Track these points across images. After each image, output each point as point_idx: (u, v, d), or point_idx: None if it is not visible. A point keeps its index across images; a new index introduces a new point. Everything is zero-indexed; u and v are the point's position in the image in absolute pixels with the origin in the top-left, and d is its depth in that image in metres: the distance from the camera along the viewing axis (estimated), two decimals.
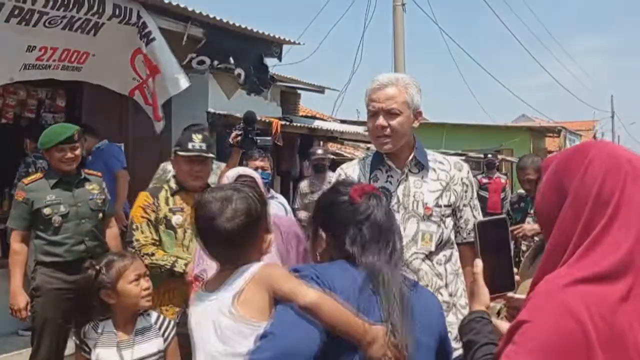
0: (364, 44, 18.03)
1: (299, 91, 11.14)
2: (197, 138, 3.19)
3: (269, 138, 4.03)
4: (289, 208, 4.79)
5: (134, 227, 3.09)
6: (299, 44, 6.88)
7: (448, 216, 2.44)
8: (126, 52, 5.23)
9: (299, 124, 8.48)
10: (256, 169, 4.38)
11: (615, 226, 1.18)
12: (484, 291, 1.47)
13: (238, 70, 6.19)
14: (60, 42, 4.78)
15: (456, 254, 2.49)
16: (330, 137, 9.65)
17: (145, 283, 2.47)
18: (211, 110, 7.29)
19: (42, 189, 3.64)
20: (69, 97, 7.22)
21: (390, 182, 2.44)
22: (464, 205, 2.49)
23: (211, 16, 5.53)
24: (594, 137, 34.01)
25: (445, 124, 18.52)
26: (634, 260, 1.15)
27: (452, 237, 2.48)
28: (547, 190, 1.32)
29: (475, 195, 2.56)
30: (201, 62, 5.75)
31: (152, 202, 3.13)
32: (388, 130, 2.36)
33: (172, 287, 3.04)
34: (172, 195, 3.17)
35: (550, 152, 20.70)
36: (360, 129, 9.54)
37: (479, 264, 1.49)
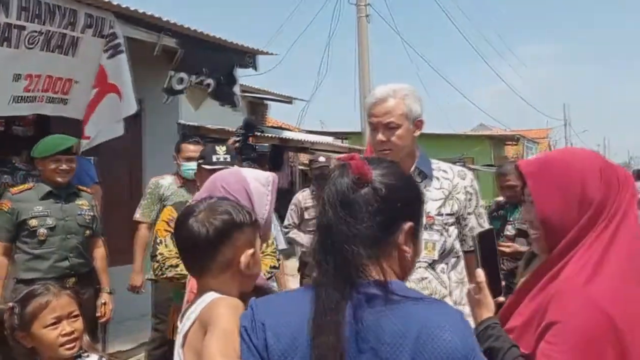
0: (331, 55, 18.12)
1: (265, 102, 11.11)
2: (220, 150, 3.22)
3: (266, 144, 3.95)
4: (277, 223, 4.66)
5: (158, 241, 3.08)
6: (272, 54, 6.86)
7: (451, 225, 2.43)
8: None
9: (270, 135, 8.42)
10: None
11: (620, 232, 1.38)
12: (490, 300, 1.52)
13: (208, 81, 6.13)
14: (42, 66, 4.62)
15: (461, 262, 2.48)
16: (301, 147, 9.61)
17: (68, 327, 2.02)
18: (182, 121, 7.17)
19: (30, 199, 3.51)
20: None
21: None
22: (469, 214, 2.48)
23: (185, 26, 5.44)
24: (549, 145, 34.94)
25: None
26: (620, 250, 1.37)
27: (457, 245, 2.47)
28: (564, 201, 1.43)
29: (480, 203, 2.55)
30: (180, 81, 5.68)
31: (175, 217, 3.07)
32: (388, 144, 2.36)
33: None
34: None
35: (510, 159, 21.16)
36: (330, 139, 9.54)
37: (481, 273, 1.53)
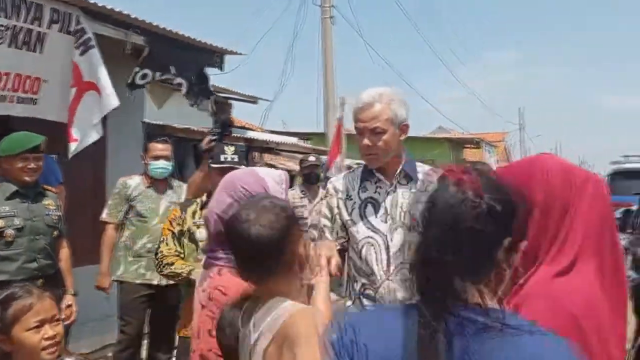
0: (295, 55, 18.14)
1: (230, 101, 11.02)
2: (229, 150, 3.22)
3: (243, 144, 3.88)
4: None
5: (161, 239, 3.19)
6: (241, 54, 6.83)
7: None
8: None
9: (236, 135, 8.38)
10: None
11: (573, 230, 1.45)
12: None
13: (179, 80, 6.04)
14: (10, 63, 4.48)
15: None
16: (266, 148, 9.59)
17: (51, 330, 1.97)
18: (147, 120, 7.07)
19: None
20: None
21: (379, 193, 2.46)
22: None
23: (154, 24, 5.37)
24: (505, 148, 35.74)
25: None
26: (582, 253, 1.44)
27: None
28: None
29: None
30: (144, 76, 5.57)
31: (179, 216, 3.20)
32: (374, 148, 2.39)
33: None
34: (201, 208, 3.18)
35: (469, 162, 21.56)
36: (295, 140, 9.54)
37: None
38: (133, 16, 5.16)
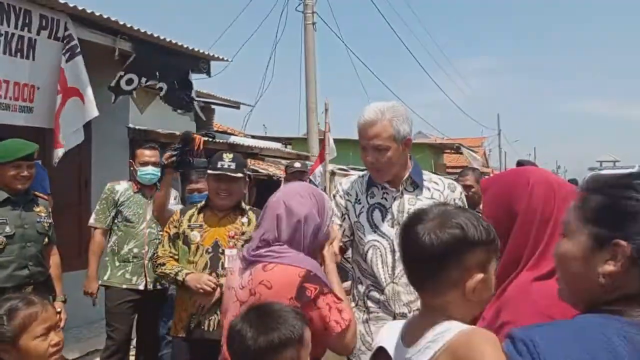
0: (277, 60, 18.20)
1: (212, 106, 11.02)
2: (227, 157, 3.23)
3: (204, 160, 3.81)
4: None
5: (159, 242, 3.31)
6: (226, 60, 6.85)
7: None
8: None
9: (220, 140, 8.40)
10: (194, 191, 4.32)
11: (555, 238, 1.47)
12: None
13: (160, 84, 6.08)
14: (7, 71, 4.49)
15: None
16: (250, 153, 9.61)
17: (56, 337, 2.02)
18: (131, 125, 7.06)
19: None
20: None
21: (386, 199, 2.53)
22: None
23: (142, 30, 5.39)
24: (484, 153, 36.05)
25: (353, 141, 18.89)
26: None
27: None
28: (497, 210, 1.66)
29: None
30: (130, 81, 5.59)
31: (177, 219, 3.25)
32: (378, 164, 2.46)
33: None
34: (199, 212, 3.24)
35: (449, 167, 21.78)
36: (278, 145, 9.57)
37: None
38: (122, 22, 5.17)
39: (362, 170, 11.25)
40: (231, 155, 3.27)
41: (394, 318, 2.35)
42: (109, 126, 6.54)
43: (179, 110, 6.63)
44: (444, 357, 1.22)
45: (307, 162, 8.25)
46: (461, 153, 21.84)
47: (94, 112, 4.99)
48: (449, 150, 23.67)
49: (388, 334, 1.45)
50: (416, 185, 2.56)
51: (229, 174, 3.15)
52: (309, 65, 13.18)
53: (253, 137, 13.34)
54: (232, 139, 9.35)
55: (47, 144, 6.01)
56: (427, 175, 2.64)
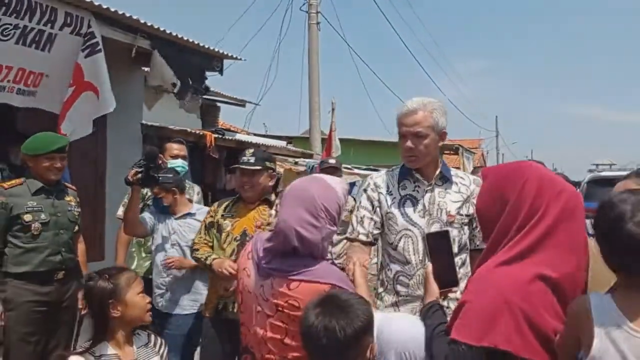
0: (277, 59, 18.24)
1: (218, 104, 11.17)
2: (248, 152, 3.41)
3: (170, 175, 3.75)
4: None
5: (199, 229, 3.49)
6: (240, 59, 7.01)
7: (466, 224, 2.72)
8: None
9: (229, 138, 8.57)
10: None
11: (538, 227, 1.66)
12: (434, 287, 1.92)
13: (173, 80, 6.22)
14: (15, 59, 4.64)
15: (468, 259, 2.75)
16: None
17: (147, 297, 2.38)
18: (145, 122, 7.22)
19: (23, 194, 3.52)
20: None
21: (418, 191, 2.69)
22: None
23: (161, 29, 5.55)
24: (482, 155, 36.23)
25: (354, 140, 19.06)
26: (534, 248, 1.65)
27: (468, 243, 2.76)
28: (489, 198, 1.81)
29: None
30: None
31: (214, 209, 3.46)
32: (415, 151, 2.63)
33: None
34: (233, 204, 3.44)
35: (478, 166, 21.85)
36: (284, 143, 9.72)
37: (429, 266, 1.97)
38: (142, 21, 5.33)
39: (364, 169, 11.33)
40: (252, 150, 3.45)
41: (422, 301, 2.52)
42: (123, 122, 6.69)
43: (185, 104, 6.74)
44: None
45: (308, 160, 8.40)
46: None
47: (109, 108, 5.11)
48: (448, 152, 23.77)
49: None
50: (446, 179, 2.73)
51: (247, 167, 3.33)
52: (313, 64, 13.32)
53: (255, 135, 13.48)
54: (238, 137, 9.51)
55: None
56: (454, 171, 2.82)
